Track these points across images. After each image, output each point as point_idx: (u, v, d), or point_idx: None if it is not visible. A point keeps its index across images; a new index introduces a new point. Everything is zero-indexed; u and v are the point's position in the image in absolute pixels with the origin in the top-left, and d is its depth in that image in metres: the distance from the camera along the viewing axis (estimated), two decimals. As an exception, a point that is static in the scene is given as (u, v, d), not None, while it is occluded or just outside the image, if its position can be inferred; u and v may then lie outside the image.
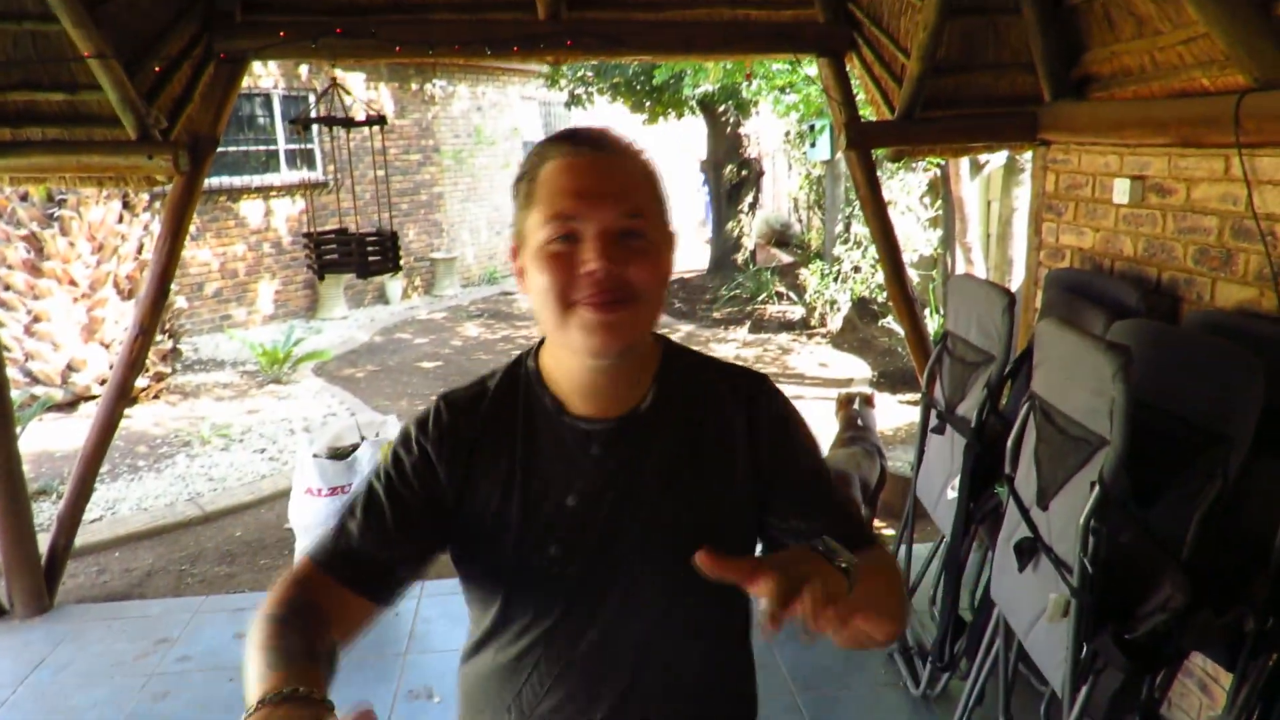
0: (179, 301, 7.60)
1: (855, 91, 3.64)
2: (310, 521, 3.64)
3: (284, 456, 5.86)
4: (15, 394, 4.62)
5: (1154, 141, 2.59)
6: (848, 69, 3.64)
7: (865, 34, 3.52)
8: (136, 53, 3.07)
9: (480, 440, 1.03)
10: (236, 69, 3.38)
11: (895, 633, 0.96)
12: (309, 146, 10.59)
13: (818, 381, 7.70)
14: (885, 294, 8.89)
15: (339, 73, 4.59)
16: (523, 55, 3.50)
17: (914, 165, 8.53)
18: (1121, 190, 2.73)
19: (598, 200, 0.92)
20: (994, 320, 2.60)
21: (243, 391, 7.50)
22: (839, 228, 9.82)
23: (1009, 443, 2.22)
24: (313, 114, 4.41)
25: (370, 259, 4.34)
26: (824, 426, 4.23)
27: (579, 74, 11.06)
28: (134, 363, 3.49)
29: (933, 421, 2.96)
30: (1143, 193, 2.67)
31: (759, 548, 1.11)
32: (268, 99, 10.16)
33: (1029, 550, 2.03)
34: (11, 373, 6.12)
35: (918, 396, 6.47)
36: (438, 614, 3.43)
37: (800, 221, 14.37)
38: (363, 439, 3.81)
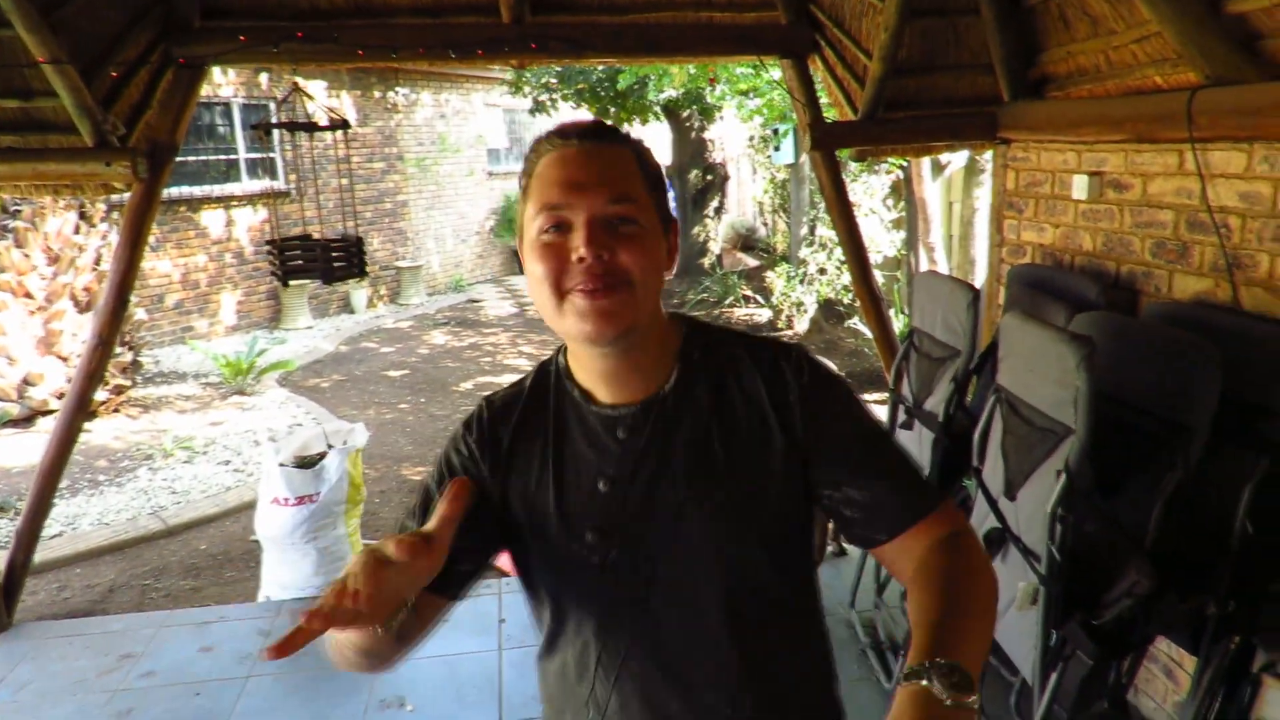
0: (139, 313, 7.46)
1: (819, 93, 3.68)
2: (277, 532, 3.59)
3: (249, 468, 5.77)
4: (-31, 409, 4.49)
5: (1110, 138, 2.64)
6: (811, 71, 3.67)
7: (828, 36, 3.55)
8: (93, 58, 3.01)
9: (517, 436, 1.06)
10: (195, 75, 3.33)
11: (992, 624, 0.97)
12: (270, 155, 10.46)
13: (786, 383, 7.74)
14: (851, 295, 8.99)
15: (300, 79, 4.55)
16: (487, 59, 3.49)
17: (877, 168, 8.63)
18: (1080, 187, 2.78)
19: (585, 188, 0.93)
20: (959, 316, 2.64)
21: (205, 403, 7.38)
22: (804, 230, 9.91)
23: (976, 435, 2.24)
24: (274, 120, 4.35)
25: (335, 264, 4.29)
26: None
27: (543, 80, 11.04)
28: (93, 374, 3.42)
29: (901, 417, 2.99)
30: (1100, 188, 2.72)
31: (817, 518, 1.07)
32: (227, 108, 10.03)
33: (997, 540, 2.05)
34: (-35, 388, 5.97)
35: (885, 396, 6.53)
36: (409, 622, 3.39)
37: (765, 225, 14.48)
38: (330, 447, 3.76)
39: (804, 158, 9.85)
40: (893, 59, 3.20)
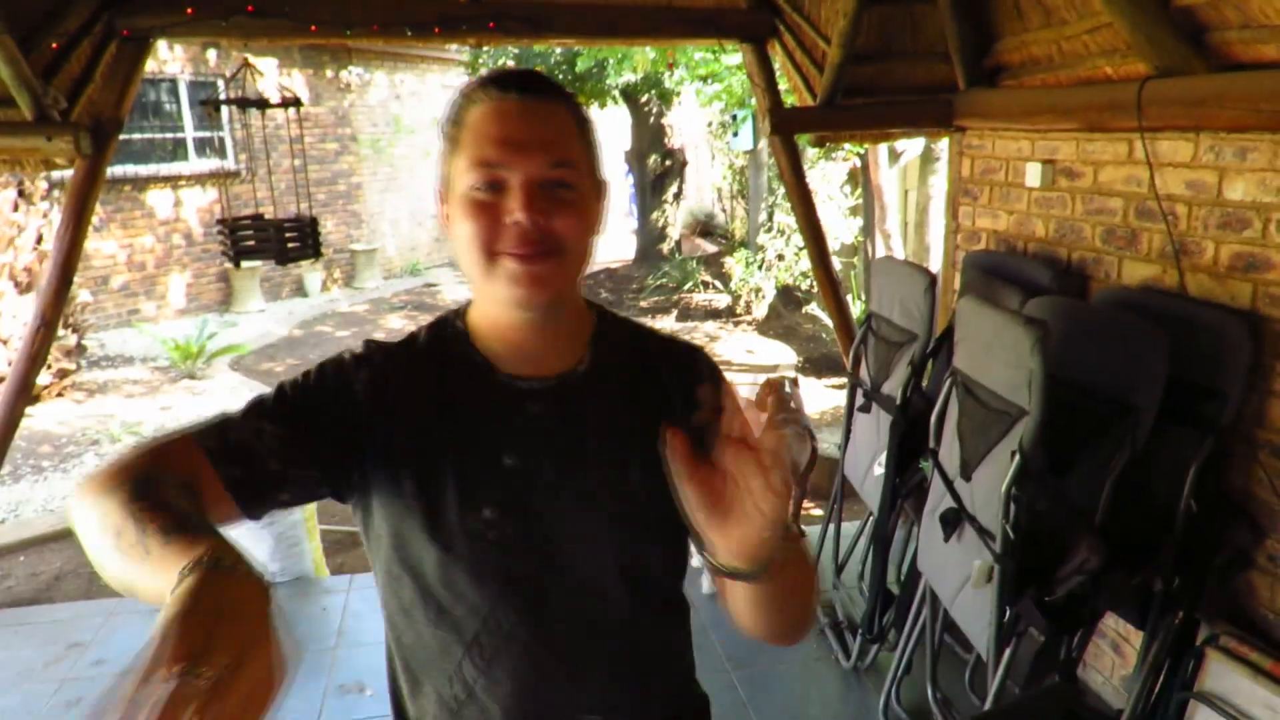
0: (83, 295, 7.25)
1: (778, 79, 3.69)
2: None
3: (200, 454, 5.65)
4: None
5: (1062, 127, 2.69)
6: (770, 56, 3.68)
7: (787, 20, 3.56)
8: (31, 28, 2.90)
9: (406, 390, 0.97)
10: (140, 48, 3.22)
11: (802, 624, 0.95)
12: (219, 134, 10.21)
13: (744, 368, 7.80)
14: (808, 282, 9.07)
15: (250, 56, 4.44)
16: (444, 37, 3.44)
17: (834, 155, 8.70)
18: (1033, 174, 2.83)
19: (524, 148, 0.89)
20: (916, 300, 2.67)
21: (154, 388, 7.20)
22: (762, 217, 9.96)
23: (933, 418, 2.28)
24: (223, 96, 4.25)
25: (289, 245, 4.20)
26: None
27: (500, 62, 10.91)
28: (35, 356, 3.31)
29: (859, 401, 3.02)
30: (1053, 176, 2.78)
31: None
32: (174, 85, 9.75)
33: (953, 520, 2.09)
34: (-102, 372, 5.75)
35: (843, 380, 6.58)
36: (367, 608, 3.36)
37: (724, 211, 14.52)
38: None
39: (762, 144, 9.90)
40: (851, 45, 3.22)
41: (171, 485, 0.79)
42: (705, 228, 14.75)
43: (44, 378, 6.31)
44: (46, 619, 3.35)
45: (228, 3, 3.20)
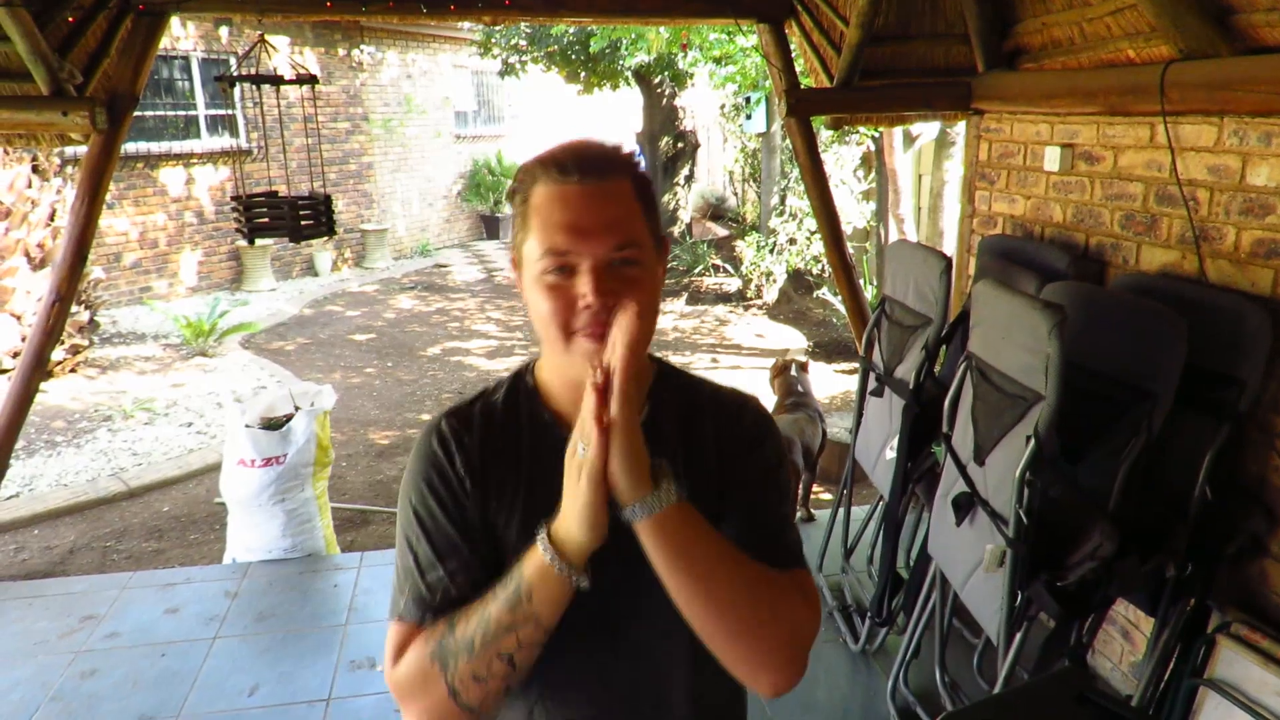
0: (96, 272, 7.28)
1: (794, 60, 3.66)
2: (244, 493, 3.55)
3: (212, 430, 5.69)
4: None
5: (1083, 110, 2.66)
6: (787, 36, 3.65)
7: (805, 1, 3.53)
8: (47, 2, 2.90)
9: (489, 455, 1.03)
10: (156, 23, 3.22)
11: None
12: (231, 112, 10.20)
13: (754, 352, 7.79)
14: (820, 266, 9.03)
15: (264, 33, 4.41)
16: (459, 14, 3.42)
17: (848, 138, 8.64)
18: (1052, 158, 2.81)
19: (590, 235, 0.93)
20: (931, 284, 2.66)
21: (166, 365, 7.24)
22: (774, 200, 9.91)
23: (946, 402, 2.27)
24: (235, 73, 4.23)
25: (303, 223, 4.20)
26: (762, 395, 4.28)
27: (512, 41, 10.86)
28: (50, 331, 3.33)
29: (871, 384, 3.01)
30: (1072, 160, 2.75)
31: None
32: (187, 62, 9.74)
33: (966, 504, 2.09)
34: (-87, 346, 5.80)
35: (853, 365, 6.56)
36: (378, 585, 3.38)
37: (735, 195, 14.46)
38: (296, 409, 3.71)
39: (775, 127, 9.83)
40: (870, 25, 3.19)
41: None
42: (716, 211, 14.70)
43: (57, 353, 6.35)
44: (61, 591, 3.38)
45: (242, -22, 3.19)
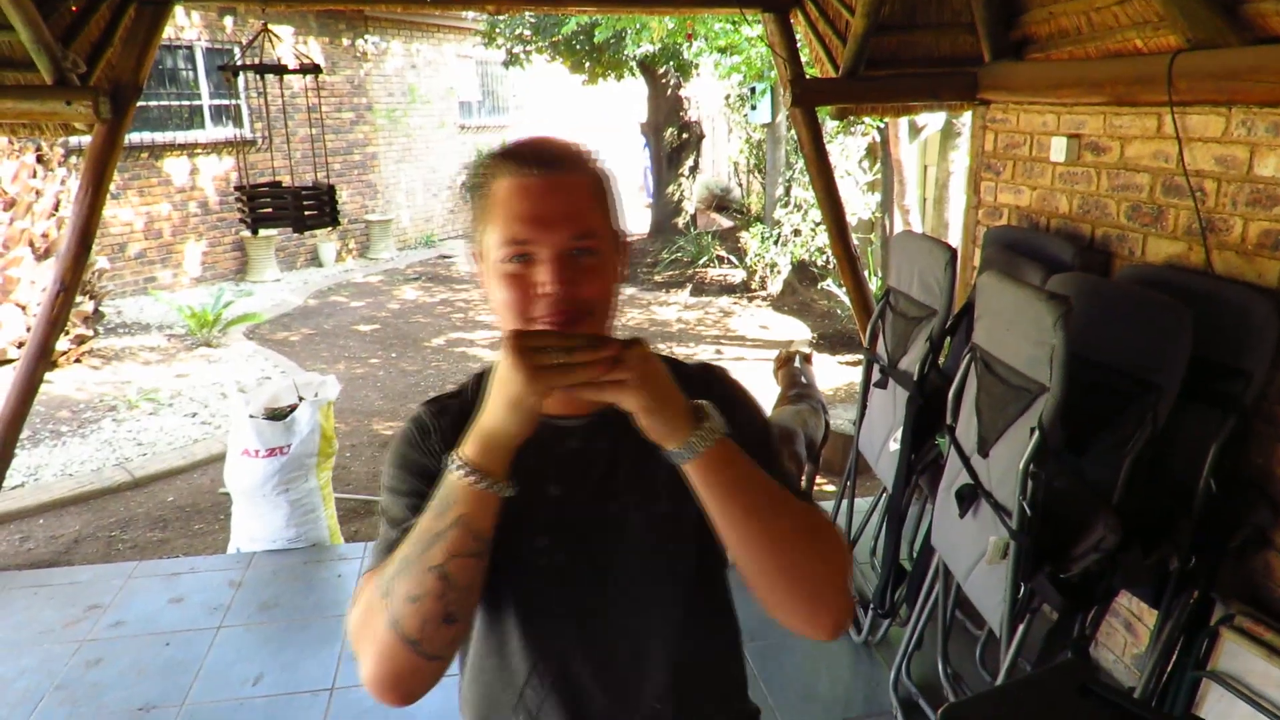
0: (100, 262, 7.28)
1: (799, 50, 3.64)
2: (248, 483, 3.55)
3: (216, 420, 5.70)
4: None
5: (1090, 100, 2.65)
6: (793, 25, 3.63)
7: (810, -10, 3.51)
8: (50, -9, 2.90)
9: (462, 436, 1.03)
10: (159, 12, 3.21)
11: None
12: (235, 102, 10.19)
13: (759, 343, 7.78)
14: (824, 257, 9.01)
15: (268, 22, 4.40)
16: (464, 3, 3.41)
17: (853, 129, 8.61)
18: (1058, 149, 2.79)
19: (549, 225, 0.95)
20: (936, 275, 2.65)
21: (170, 355, 7.25)
22: (779, 191, 9.88)
23: (951, 394, 2.27)
24: (240, 62, 4.22)
25: (307, 213, 4.19)
26: (765, 387, 4.27)
27: (517, 32, 10.82)
28: (55, 321, 3.34)
29: (875, 376, 3.01)
30: (1078, 151, 2.73)
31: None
32: (190, 52, 9.73)
33: (969, 496, 2.08)
34: (-81, 336, 5.82)
35: (857, 357, 6.55)
36: (381, 575, 3.39)
37: (740, 185, 14.42)
38: (300, 399, 3.72)
39: (780, 117, 9.80)
40: (876, 14, 3.17)
41: None
42: (721, 202, 14.67)
43: (62, 344, 6.36)
44: (66, 581, 3.40)
45: (245, -33, 3.18)
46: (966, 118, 5.87)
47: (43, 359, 3.38)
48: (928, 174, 8.11)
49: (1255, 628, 1.99)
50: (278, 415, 3.63)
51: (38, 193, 6.44)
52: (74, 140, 7.54)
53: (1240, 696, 1.95)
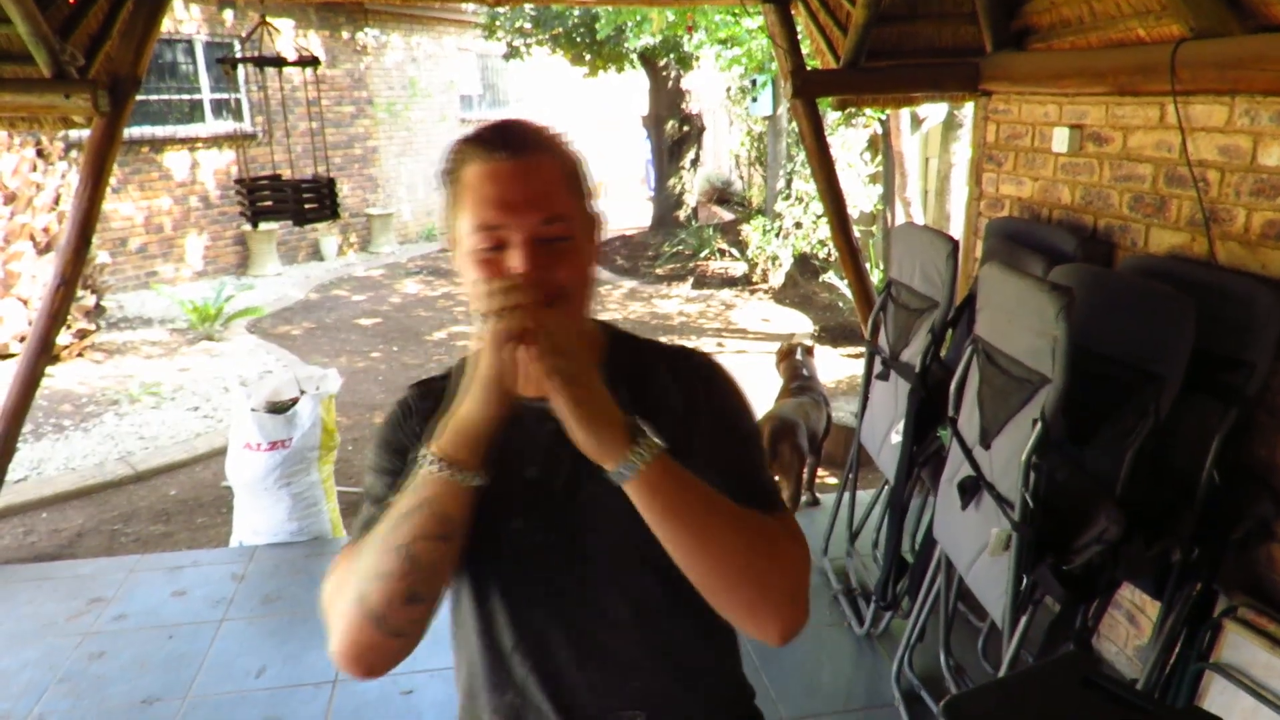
0: (102, 256, 7.29)
1: (800, 41, 3.62)
2: (250, 477, 3.55)
3: (218, 414, 5.70)
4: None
5: (1092, 90, 2.63)
6: (793, 17, 3.61)
7: (811, -19, 3.49)
8: (48, -16, 2.89)
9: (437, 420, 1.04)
10: (157, 5, 3.19)
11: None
12: (235, 96, 10.18)
13: (760, 336, 7.77)
14: (826, 250, 8.99)
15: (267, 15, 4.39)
16: (463, -4, 3.39)
17: (854, 121, 8.58)
18: (1060, 139, 2.78)
19: (520, 210, 0.95)
20: (938, 267, 2.64)
21: (173, 349, 7.26)
22: (780, 184, 9.86)
23: (953, 385, 2.26)
24: (239, 55, 4.21)
25: (307, 206, 4.18)
26: (767, 379, 4.27)
27: (517, 25, 10.79)
28: (56, 314, 3.33)
29: (877, 368, 3.00)
30: (1081, 141, 2.72)
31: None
32: (190, 45, 9.71)
33: (971, 488, 2.08)
34: (-79, 330, 5.82)
35: (859, 350, 6.55)
36: (383, 568, 3.39)
37: (741, 178, 14.39)
38: (302, 393, 3.72)
39: (781, 110, 9.77)
40: (876, 5, 3.15)
41: None
42: (722, 195, 14.64)
43: (64, 338, 6.37)
44: (69, 574, 3.40)
45: (244, -41, 3.16)
46: (968, 109, 5.85)
47: (44, 353, 3.37)
48: (929, 166, 8.09)
49: (1258, 619, 1.99)
50: (279, 409, 3.63)
51: (38, 187, 6.44)
52: (74, 134, 7.54)
53: (1243, 688, 1.95)
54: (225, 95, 10.06)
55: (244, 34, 9.47)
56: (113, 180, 4.71)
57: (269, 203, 4.23)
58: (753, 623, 0.98)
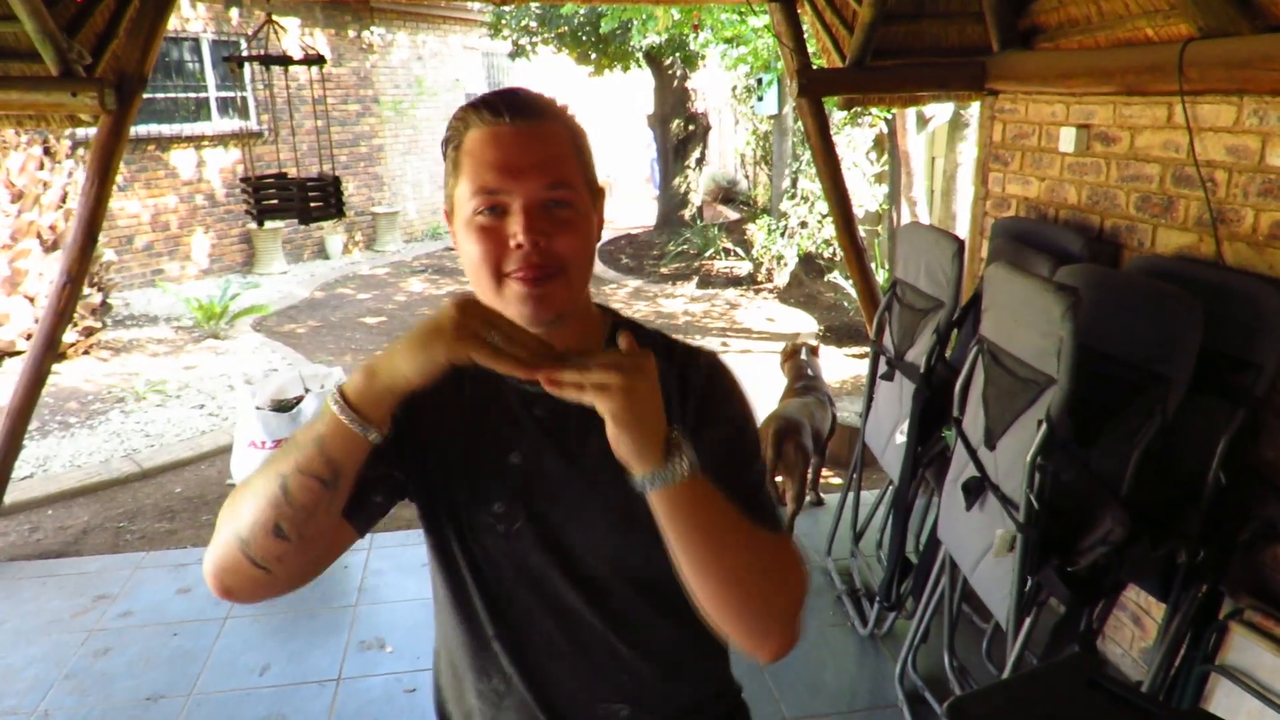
0: (108, 254, 7.31)
1: (806, 40, 3.62)
2: (254, 475, 3.56)
3: (224, 412, 5.71)
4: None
5: (1099, 90, 2.62)
6: (799, 15, 3.61)
7: (817, -20, 3.49)
8: (55, -19, 2.89)
9: (430, 396, 0.98)
10: (163, 3, 3.20)
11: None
12: (242, 94, 10.19)
13: (765, 336, 7.76)
14: (831, 249, 8.98)
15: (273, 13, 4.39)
16: (469, -6, 3.39)
17: (860, 121, 8.56)
18: (1067, 139, 2.77)
19: (522, 173, 0.92)
20: (943, 267, 2.63)
21: (178, 347, 7.27)
22: (786, 183, 9.85)
23: (958, 386, 2.25)
24: (245, 53, 4.21)
25: (312, 204, 4.19)
26: (772, 379, 4.26)
27: (523, 23, 10.80)
28: (62, 312, 3.34)
29: (882, 368, 3.00)
30: (1088, 141, 2.71)
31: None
32: (197, 44, 9.73)
33: (976, 489, 2.07)
34: (-72, 327, 5.84)
35: (864, 350, 6.54)
36: (387, 566, 3.40)
37: (747, 177, 14.38)
38: (307, 391, 3.72)
39: (787, 109, 9.75)
40: (883, 4, 3.14)
41: None
42: (727, 194, 14.63)
43: (70, 336, 6.38)
44: (74, 571, 3.41)
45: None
46: (974, 109, 5.83)
47: (50, 350, 3.39)
48: (935, 165, 8.07)
49: (1264, 622, 1.98)
50: (284, 407, 3.64)
51: (45, 185, 6.46)
52: (81, 132, 7.56)
53: (1249, 691, 1.94)
54: (231, 93, 10.08)
55: (250, 32, 9.48)
56: (119, 178, 4.73)
57: (274, 201, 4.23)
58: (750, 640, 0.96)
